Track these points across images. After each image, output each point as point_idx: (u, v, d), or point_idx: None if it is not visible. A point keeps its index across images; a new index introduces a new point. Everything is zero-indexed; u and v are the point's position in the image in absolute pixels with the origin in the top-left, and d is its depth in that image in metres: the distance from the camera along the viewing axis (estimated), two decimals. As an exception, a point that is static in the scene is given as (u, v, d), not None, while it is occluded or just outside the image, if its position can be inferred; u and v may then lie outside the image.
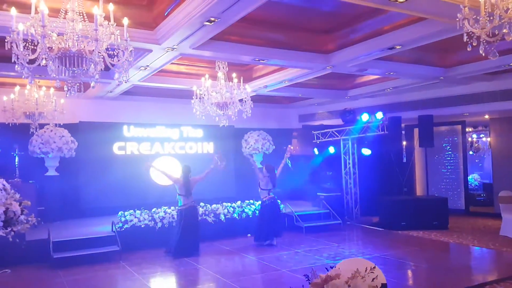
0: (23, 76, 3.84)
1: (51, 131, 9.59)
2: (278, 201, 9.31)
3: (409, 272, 6.78)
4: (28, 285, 6.32)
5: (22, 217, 3.46)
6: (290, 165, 8.99)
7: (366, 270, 1.86)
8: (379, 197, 10.86)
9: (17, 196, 3.53)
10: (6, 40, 3.62)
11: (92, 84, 4.19)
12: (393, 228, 9.94)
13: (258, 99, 11.06)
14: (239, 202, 9.87)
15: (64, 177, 9.99)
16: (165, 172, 8.37)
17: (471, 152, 14.87)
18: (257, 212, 9.38)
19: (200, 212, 8.99)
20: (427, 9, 5.27)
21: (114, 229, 8.19)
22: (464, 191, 12.25)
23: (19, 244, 4.45)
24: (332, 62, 7.84)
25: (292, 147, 9.16)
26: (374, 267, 1.92)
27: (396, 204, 10.22)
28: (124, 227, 8.30)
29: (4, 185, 3.44)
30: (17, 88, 8.00)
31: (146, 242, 8.35)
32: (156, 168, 8.58)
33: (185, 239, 7.83)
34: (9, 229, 3.38)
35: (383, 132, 10.29)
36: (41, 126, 9.03)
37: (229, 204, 9.67)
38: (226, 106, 7.49)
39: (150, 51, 6.70)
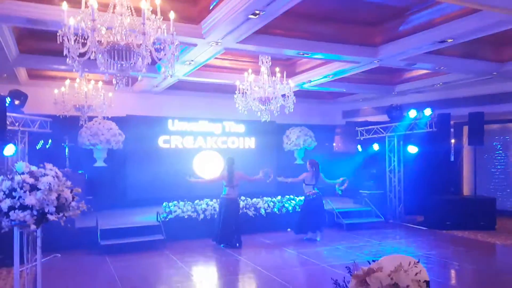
0: (73, 69, 3.96)
1: (100, 123, 9.91)
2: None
3: (453, 272, 6.59)
4: (77, 269, 6.60)
5: (73, 203, 3.60)
6: (340, 192, 8.76)
7: (409, 265, 1.86)
8: (424, 196, 10.53)
9: (69, 183, 3.66)
10: (58, 34, 3.75)
11: (139, 78, 4.38)
12: (438, 227, 9.67)
13: (301, 95, 10.89)
14: (279, 197, 9.85)
15: (111, 168, 10.33)
16: (206, 180, 8.67)
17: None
18: (297, 207, 9.35)
19: (241, 206, 9.01)
20: (482, 0, 4.94)
21: (159, 219, 8.38)
22: (515, 192, 11.58)
23: (70, 229, 4.64)
24: (379, 55, 7.64)
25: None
26: (418, 262, 1.92)
27: (442, 203, 9.94)
28: (169, 217, 8.47)
29: (56, 173, 3.57)
30: (68, 81, 8.31)
31: (189, 232, 8.49)
32: (197, 181, 8.69)
33: (226, 228, 7.93)
34: (61, 214, 3.51)
35: (431, 130, 9.96)
36: (90, 118, 9.37)
37: (269, 198, 9.67)
38: (268, 101, 7.46)
39: (195, 45, 6.76)
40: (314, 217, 8.49)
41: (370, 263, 1.96)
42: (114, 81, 4.21)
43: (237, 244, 7.90)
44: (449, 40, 6.50)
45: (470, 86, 10.52)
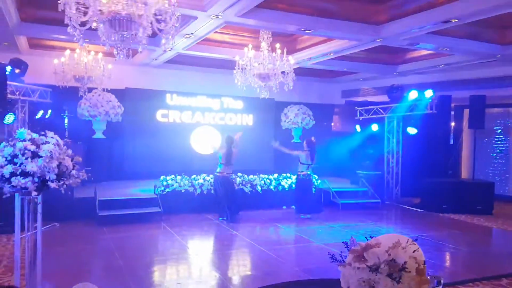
0: (74, 39, 3.98)
1: (99, 95, 9.95)
2: (315, 176, 9.36)
3: (448, 254, 6.65)
4: (75, 239, 6.76)
5: (73, 171, 3.69)
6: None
7: (407, 242, 1.85)
8: (422, 178, 10.62)
9: (70, 152, 3.75)
10: (59, 2, 3.76)
11: (139, 49, 4.33)
12: (435, 210, 9.76)
13: (300, 72, 10.96)
14: (276, 175, 9.97)
15: (110, 141, 10.45)
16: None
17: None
18: (293, 185, 9.47)
19: (238, 182, 9.21)
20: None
21: (156, 192, 8.53)
22: (513, 177, 11.71)
23: (68, 199, 4.74)
24: (382, 34, 7.63)
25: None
26: (417, 239, 1.92)
27: (439, 186, 10.01)
28: (166, 190, 8.63)
29: (57, 141, 3.66)
30: (68, 52, 8.29)
31: (186, 206, 8.65)
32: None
33: (221, 203, 8.19)
34: (62, 182, 3.62)
35: (431, 111, 9.99)
36: (90, 90, 9.38)
37: (266, 176, 9.81)
38: (267, 78, 7.47)
39: (195, 18, 6.74)
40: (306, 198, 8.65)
41: (367, 239, 1.96)
42: (115, 52, 4.21)
43: (225, 218, 8.15)
44: (454, 20, 6.48)
45: (473, 68, 10.50)
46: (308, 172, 8.69)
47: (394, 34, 7.55)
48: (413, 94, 10.41)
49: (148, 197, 8.46)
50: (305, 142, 8.81)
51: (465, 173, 12.58)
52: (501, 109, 11.93)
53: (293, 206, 9.17)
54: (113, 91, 9.96)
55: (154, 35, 4.24)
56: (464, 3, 6.03)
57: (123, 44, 4.12)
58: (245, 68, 7.39)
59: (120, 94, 10.48)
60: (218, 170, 8.24)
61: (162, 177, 8.96)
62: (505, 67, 10.01)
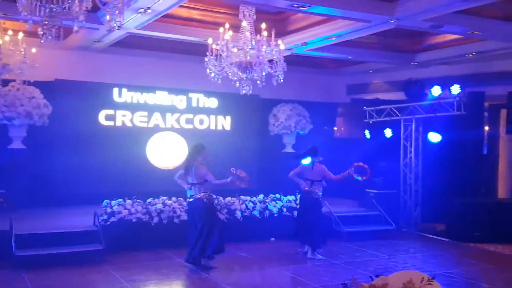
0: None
1: (18, 90, 9.76)
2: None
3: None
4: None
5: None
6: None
7: (422, 281, 1.93)
8: (447, 198, 10.77)
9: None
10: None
11: (75, 28, 4.18)
12: (464, 239, 9.94)
13: (294, 61, 10.92)
14: (261, 196, 9.92)
15: (33, 152, 10.21)
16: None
17: None
18: (284, 209, 9.60)
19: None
20: None
21: (96, 223, 8.34)
22: None
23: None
24: (397, 13, 7.72)
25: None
26: (433, 279, 1.99)
27: (470, 208, 10.18)
28: (110, 220, 8.46)
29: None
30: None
31: (138, 241, 8.49)
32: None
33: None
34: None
35: (459, 113, 10.05)
36: (5, 83, 9.07)
37: (248, 198, 9.73)
38: (250, 68, 7.41)
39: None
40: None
41: (372, 279, 2.04)
42: (40, 32, 4.10)
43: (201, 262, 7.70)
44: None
45: (511, 58, 10.66)
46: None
47: (412, 13, 7.66)
48: (436, 91, 10.52)
49: (86, 229, 8.30)
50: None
51: (502, 192, 12.74)
52: (547, 109, 12.16)
53: (273, 239, 9.27)
54: (37, 84, 9.80)
55: (95, 8, 4.08)
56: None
57: (52, 20, 4.03)
58: (220, 55, 7.28)
59: (48, 88, 10.30)
60: (188, 193, 7.91)
61: (105, 202, 8.78)
62: (552, 55, 10.28)
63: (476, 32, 8.76)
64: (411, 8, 7.48)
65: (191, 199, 7.76)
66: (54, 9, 3.97)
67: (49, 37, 4.10)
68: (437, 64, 11.72)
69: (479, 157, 12.16)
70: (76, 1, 3.96)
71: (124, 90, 11.28)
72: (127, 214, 8.54)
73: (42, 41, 4.18)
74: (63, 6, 3.96)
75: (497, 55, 10.48)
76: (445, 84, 10.53)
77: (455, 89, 10.13)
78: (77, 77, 10.87)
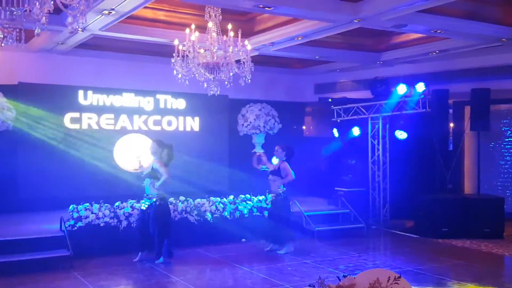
0: None
1: (-21, 94, 9.61)
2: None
3: (451, 292, 6.85)
4: None
5: None
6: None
7: (389, 280, 1.94)
8: (415, 195, 10.90)
9: None
10: None
11: (36, 31, 4.11)
12: (432, 235, 10.03)
13: (261, 61, 11.01)
14: (231, 197, 9.93)
15: (-5, 157, 9.99)
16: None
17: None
18: (255, 210, 9.64)
19: (180, 209, 9.12)
20: None
21: (63, 228, 8.24)
22: (527, 190, 12.23)
23: None
24: (361, 13, 7.78)
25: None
26: (399, 277, 2.00)
27: (437, 204, 10.27)
28: (77, 225, 8.35)
29: None
30: None
31: (107, 246, 8.40)
32: None
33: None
34: None
35: (424, 110, 10.27)
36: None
37: (218, 199, 9.73)
38: (218, 68, 7.45)
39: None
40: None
41: (340, 279, 2.06)
42: (0, 35, 4.10)
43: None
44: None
45: (474, 55, 10.87)
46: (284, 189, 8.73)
47: (376, 13, 7.70)
48: (401, 89, 10.67)
49: (52, 235, 8.18)
50: (279, 147, 8.80)
51: (468, 187, 12.93)
52: (510, 105, 12.44)
53: (244, 240, 9.34)
54: (0, 88, 9.69)
55: (57, 10, 4.04)
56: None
57: (12, 23, 4.05)
58: (187, 56, 7.30)
59: (11, 91, 10.10)
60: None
61: (72, 207, 8.65)
62: (513, 53, 10.47)
63: (439, 31, 8.88)
64: (374, 8, 7.53)
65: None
66: (15, 12, 3.89)
67: (10, 40, 4.07)
68: (402, 62, 11.87)
69: (445, 153, 12.30)
70: (37, 4, 3.93)
71: (90, 92, 11.12)
72: (94, 218, 8.46)
73: (2, 44, 4.15)
74: (24, 9, 3.90)
75: (460, 53, 10.63)
76: (410, 82, 10.73)
77: (420, 87, 10.36)
78: (41, 80, 10.75)
